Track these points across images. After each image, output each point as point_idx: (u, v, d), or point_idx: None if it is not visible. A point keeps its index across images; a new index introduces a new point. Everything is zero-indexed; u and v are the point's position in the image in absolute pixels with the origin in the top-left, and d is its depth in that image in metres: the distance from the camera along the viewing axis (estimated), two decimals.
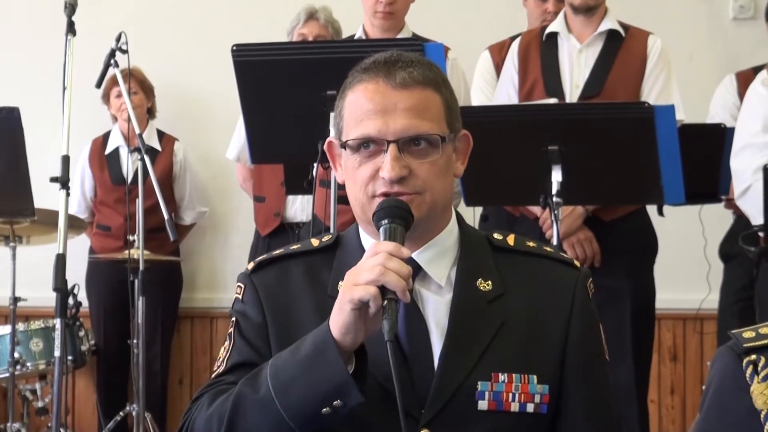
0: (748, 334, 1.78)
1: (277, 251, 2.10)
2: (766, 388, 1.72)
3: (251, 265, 2.08)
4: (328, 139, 2.08)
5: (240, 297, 2.06)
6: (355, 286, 1.79)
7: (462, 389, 1.90)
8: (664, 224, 4.47)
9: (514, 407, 1.91)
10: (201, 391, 1.99)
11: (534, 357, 1.95)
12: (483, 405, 1.90)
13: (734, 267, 4.87)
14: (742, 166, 3.96)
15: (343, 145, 1.97)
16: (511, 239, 2.08)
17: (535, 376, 1.93)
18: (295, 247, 2.10)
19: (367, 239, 2.03)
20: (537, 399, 1.93)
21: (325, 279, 2.02)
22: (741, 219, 4.58)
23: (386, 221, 1.89)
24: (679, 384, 5.83)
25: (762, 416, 1.71)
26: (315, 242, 2.09)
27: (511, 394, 1.91)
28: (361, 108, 1.95)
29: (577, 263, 2.09)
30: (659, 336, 5.56)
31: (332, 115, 2.08)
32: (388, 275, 1.78)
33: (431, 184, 1.94)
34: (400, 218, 1.89)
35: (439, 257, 1.99)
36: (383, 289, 1.78)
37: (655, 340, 4.52)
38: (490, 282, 1.99)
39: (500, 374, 1.91)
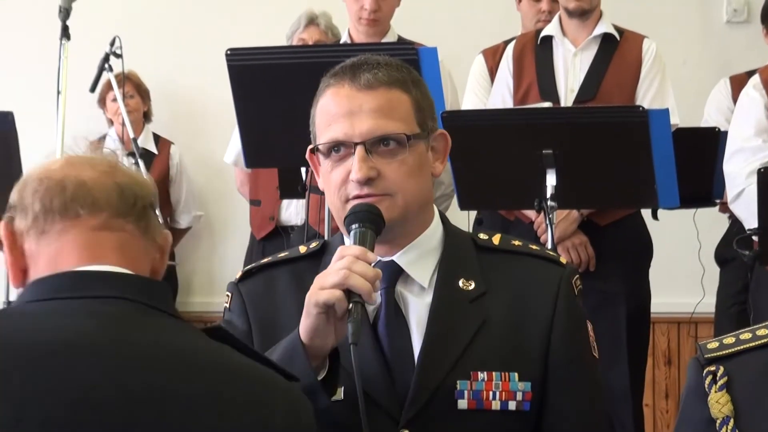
0: (712, 345, 1.83)
1: (266, 259, 2.12)
2: (722, 397, 1.76)
3: (239, 273, 2.10)
4: (309, 148, 2.08)
5: (228, 306, 2.08)
6: (321, 290, 1.81)
7: (441, 389, 1.91)
8: (658, 228, 4.47)
9: (495, 405, 1.92)
10: None
11: (515, 354, 1.95)
12: (463, 404, 1.91)
13: (730, 271, 4.87)
14: (735, 170, 3.97)
15: (314, 150, 2.00)
16: (496, 239, 2.08)
17: (516, 374, 1.93)
18: (283, 254, 2.12)
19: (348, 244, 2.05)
20: (519, 396, 1.93)
21: (309, 283, 2.01)
22: (736, 223, 4.58)
23: (356, 225, 1.91)
24: (673, 388, 5.83)
25: (717, 425, 1.75)
26: (302, 249, 2.11)
27: (491, 393, 1.92)
28: (329, 112, 1.97)
29: (563, 260, 2.08)
30: (653, 340, 5.56)
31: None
32: (352, 278, 1.80)
33: (402, 185, 1.95)
34: (369, 222, 1.91)
35: (422, 259, 2.00)
36: (349, 293, 1.80)
37: (650, 344, 4.52)
38: (472, 282, 1.99)
39: (479, 373, 1.92)
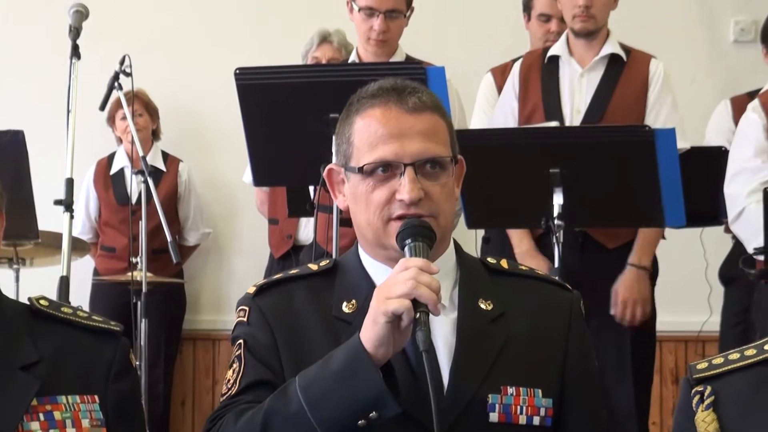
0: (701, 365, 1.88)
1: (277, 276, 2.14)
2: (708, 416, 1.80)
3: (252, 289, 2.11)
4: (328, 167, 2.11)
5: (245, 320, 2.08)
6: (388, 299, 1.84)
7: (473, 402, 1.95)
8: (665, 247, 4.47)
9: (522, 420, 1.98)
10: (217, 413, 2.00)
11: (537, 372, 2.01)
12: (494, 417, 1.96)
13: (734, 290, 4.87)
14: (736, 191, 3.99)
15: (360, 170, 2.01)
16: (504, 263, 2.15)
17: (540, 390, 2.00)
18: (294, 271, 2.13)
19: (370, 262, 2.08)
20: (542, 412, 1.99)
21: (327, 300, 2.06)
22: (740, 242, 4.59)
23: (410, 240, 1.95)
24: None
25: None
26: (313, 267, 2.13)
27: (519, 407, 1.97)
28: (374, 133, 2.00)
29: (568, 285, 2.17)
30: (661, 358, 5.56)
31: (335, 141, 2.11)
32: (420, 289, 1.84)
33: (443, 207, 2.01)
34: (423, 236, 1.96)
35: (441, 279, 2.01)
36: (415, 303, 1.84)
37: (657, 362, 4.53)
38: (490, 302, 2.05)
39: (509, 387, 1.98)
